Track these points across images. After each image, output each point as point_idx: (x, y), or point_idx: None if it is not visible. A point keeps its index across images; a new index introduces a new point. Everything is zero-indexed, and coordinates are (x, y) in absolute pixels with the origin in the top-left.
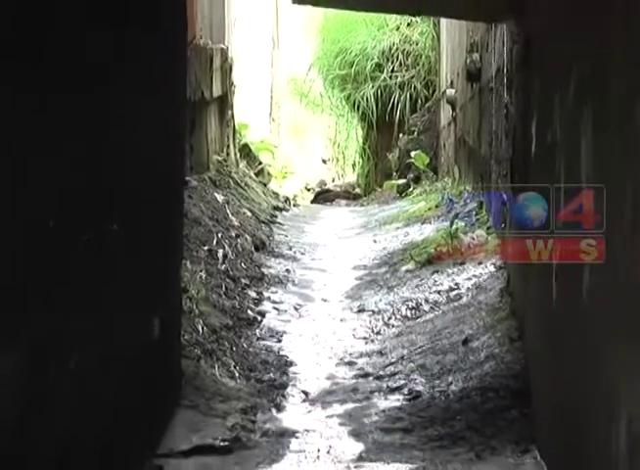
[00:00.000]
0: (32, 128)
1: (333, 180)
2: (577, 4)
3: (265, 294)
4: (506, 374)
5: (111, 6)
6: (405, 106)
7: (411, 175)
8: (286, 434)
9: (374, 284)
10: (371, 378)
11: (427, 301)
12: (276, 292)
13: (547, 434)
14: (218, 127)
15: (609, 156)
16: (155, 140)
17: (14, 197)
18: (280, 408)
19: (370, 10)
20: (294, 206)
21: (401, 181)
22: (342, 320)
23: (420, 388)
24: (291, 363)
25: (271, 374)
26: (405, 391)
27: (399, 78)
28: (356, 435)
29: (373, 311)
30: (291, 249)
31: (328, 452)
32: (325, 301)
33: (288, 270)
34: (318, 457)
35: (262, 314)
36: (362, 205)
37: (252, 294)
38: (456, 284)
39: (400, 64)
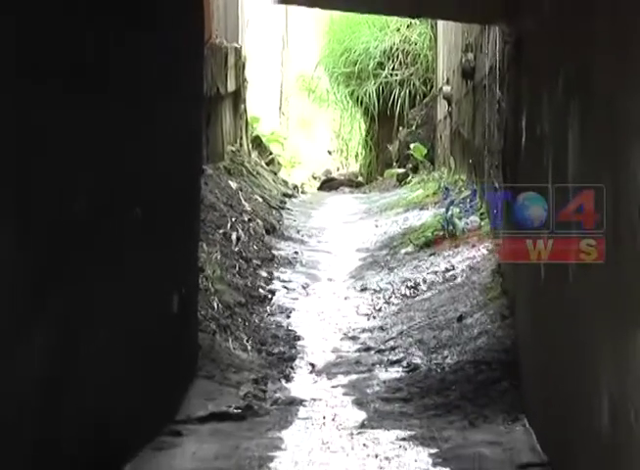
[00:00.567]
0: (90, 128)
1: (337, 169)
2: (565, 9)
3: (275, 274)
4: (497, 348)
5: (143, 15)
6: (405, 101)
7: (410, 165)
8: (294, 402)
9: (375, 265)
10: (373, 352)
11: (424, 281)
12: (285, 272)
13: (536, 404)
14: (232, 120)
15: (593, 148)
16: (176, 133)
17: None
18: (289, 379)
19: (364, 11)
20: (301, 193)
21: (401, 171)
22: (346, 298)
23: (418, 361)
24: (299, 338)
25: (281, 347)
26: (404, 363)
27: (399, 76)
28: (359, 404)
29: (375, 290)
30: (299, 232)
31: (333, 420)
32: (330, 280)
33: (296, 252)
34: (324, 424)
35: (273, 293)
36: (364, 192)
37: (264, 274)
38: (451, 265)
39: (400, 62)
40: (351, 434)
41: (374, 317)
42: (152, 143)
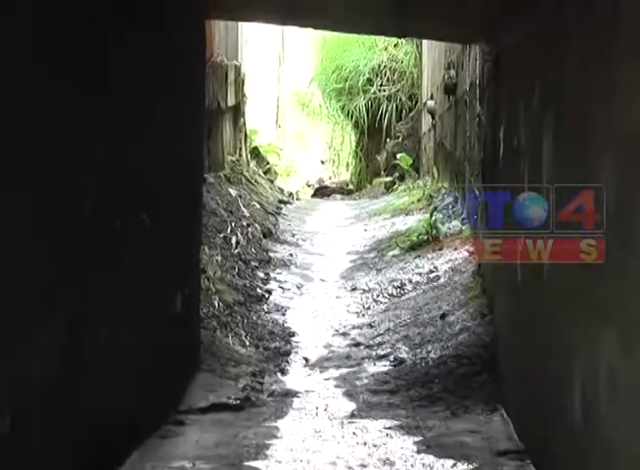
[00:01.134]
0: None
1: (330, 178)
2: (539, 30)
3: (272, 275)
4: (477, 344)
5: (156, 36)
6: (392, 115)
7: (396, 174)
8: (289, 394)
9: (365, 267)
10: (362, 347)
11: (410, 281)
12: (281, 273)
13: (512, 395)
14: (232, 132)
15: (566, 156)
16: (180, 144)
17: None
18: (284, 372)
19: (351, 31)
20: (296, 199)
21: (388, 179)
22: (337, 297)
23: (404, 355)
24: (293, 334)
25: (277, 343)
26: (391, 358)
27: (387, 92)
28: (349, 395)
29: (364, 290)
30: (294, 236)
31: (325, 410)
32: (323, 281)
33: (291, 254)
34: (317, 414)
35: (269, 292)
36: (355, 199)
37: (261, 274)
38: (435, 267)
39: (388, 79)
40: (342, 423)
41: (363, 315)
42: (160, 155)
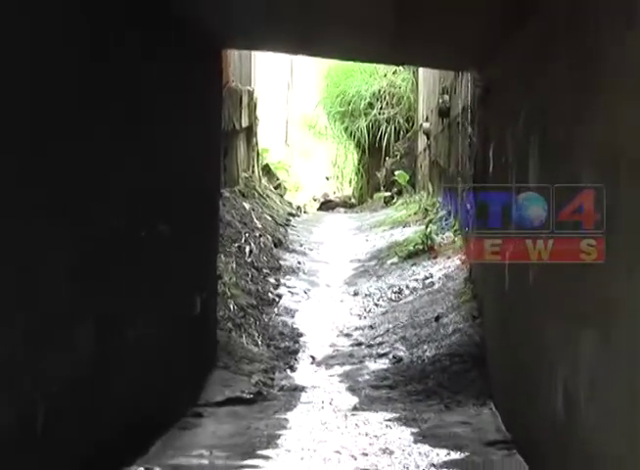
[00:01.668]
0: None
1: (334, 193)
2: (525, 60)
3: (282, 280)
4: (469, 344)
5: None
6: (391, 135)
7: (395, 189)
8: (297, 389)
9: (366, 273)
10: (363, 346)
11: (407, 287)
12: (290, 279)
13: (501, 390)
14: (246, 151)
15: (549, 173)
16: (200, 162)
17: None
18: (293, 369)
19: (357, 59)
20: (304, 213)
21: (387, 194)
22: (341, 301)
23: (401, 354)
24: (301, 334)
25: (286, 342)
26: (390, 356)
27: (386, 114)
28: (352, 390)
29: (365, 295)
30: (301, 246)
31: (330, 403)
32: (328, 286)
33: (299, 262)
34: (322, 407)
35: (279, 296)
36: (357, 212)
37: (272, 280)
38: (430, 274)
39: (387, 103)
40: (346, 415)
41: (364, 317)
42: (183, 172)
